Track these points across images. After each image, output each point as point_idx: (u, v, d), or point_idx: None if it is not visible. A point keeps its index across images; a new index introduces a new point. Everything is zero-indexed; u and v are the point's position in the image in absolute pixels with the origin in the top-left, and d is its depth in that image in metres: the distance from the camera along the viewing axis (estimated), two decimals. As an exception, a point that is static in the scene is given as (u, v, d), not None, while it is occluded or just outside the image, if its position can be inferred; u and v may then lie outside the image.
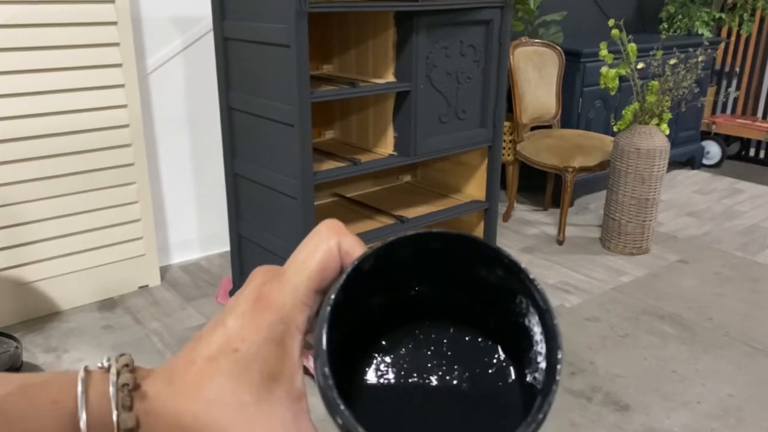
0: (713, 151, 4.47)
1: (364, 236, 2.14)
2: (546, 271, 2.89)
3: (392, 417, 0.33)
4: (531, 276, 0.32)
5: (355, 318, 0.34)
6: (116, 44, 2.34)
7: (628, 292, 2.71)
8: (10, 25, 2.14)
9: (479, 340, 0.35)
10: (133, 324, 2.41)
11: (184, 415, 0.30)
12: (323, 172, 2.06)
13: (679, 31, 4.23)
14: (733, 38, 4.57)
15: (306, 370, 0.32)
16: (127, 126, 2.43)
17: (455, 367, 0.34)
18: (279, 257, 2.15)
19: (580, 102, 3.55)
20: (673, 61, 2.88)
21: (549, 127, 3.50)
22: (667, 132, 2.94)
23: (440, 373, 0.34)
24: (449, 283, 0.35)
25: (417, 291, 0.35)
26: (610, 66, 2.89)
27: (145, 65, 2.57)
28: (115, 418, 0.30)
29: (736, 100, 4.71)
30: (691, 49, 3.04)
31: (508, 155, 3.45)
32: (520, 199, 3.74)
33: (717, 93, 4.59)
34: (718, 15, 4.18)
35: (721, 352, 2.29)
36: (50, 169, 2.32)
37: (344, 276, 0.31)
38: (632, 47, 2.81)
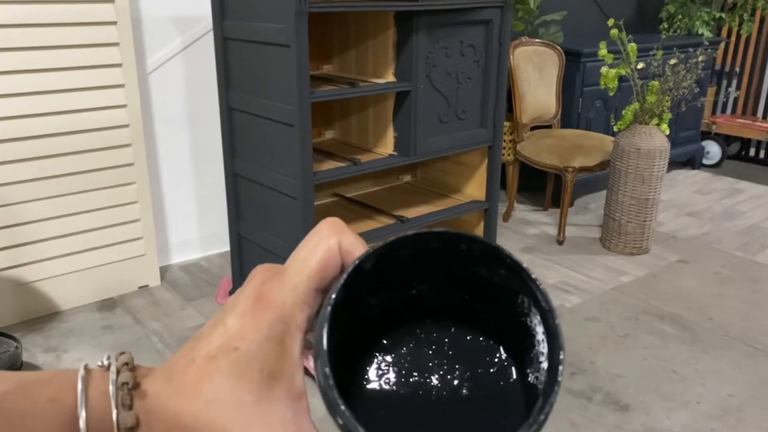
0: (713, 151, 4.47)
1: (364, 236, 2.14)
2: (546, 271, 2.89)
3: (393, 417, 0.33)
4: (533, 276, 0.31)
5: (355, 317, 0.34)
6: (116, 44, 2.34)
7: (628, 292, 2.71)
8: (9, 25, 2.14)
9: (480, 339, 0.35)
10: (133, 324, 2.41)
11: (183, 414, 0.30)
12: (323, 172, 2.06)
13: (679, 30, 4.23)
14: (733, 38, 4.57)
15: (306, 371, 0.32)
16: (126, 126, 2.43)
17: (456, 366, 0.34)
18: (279, 257, 2.15)
19: (580, 102, 3.55)
20: (673, 61, 2.88)
21: (549, 127, 3.49)
22: (667, 132, 2.94)
23: (441, 372, 0.34)
24: (450, 283, 0.34)
25: (418, 290, 0.35)
26: (610, 66, 2.89)
27: (144, 65, 2.57)
28: (114, 416, 0.30)
29: (736, 100, 4.70)
30: (691, 49, 3.04)
31: (508, 155, 3.45)
32: (520, 199, 3.74)
33: (717, 93, 4.59)
34: (718, 15, 4.18)
35: (721, 352, 2.29)
36: (50, 169, 2.32)
37: (345, 275, 0.31)
38: (632, 47, 2.81)
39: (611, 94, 3.06)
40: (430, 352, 0.35)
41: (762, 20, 4.37)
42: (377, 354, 0.34)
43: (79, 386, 0.30)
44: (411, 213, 2.39)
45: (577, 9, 3.94)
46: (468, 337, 0.35)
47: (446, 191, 2.60)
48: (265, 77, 1.99)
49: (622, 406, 1.99)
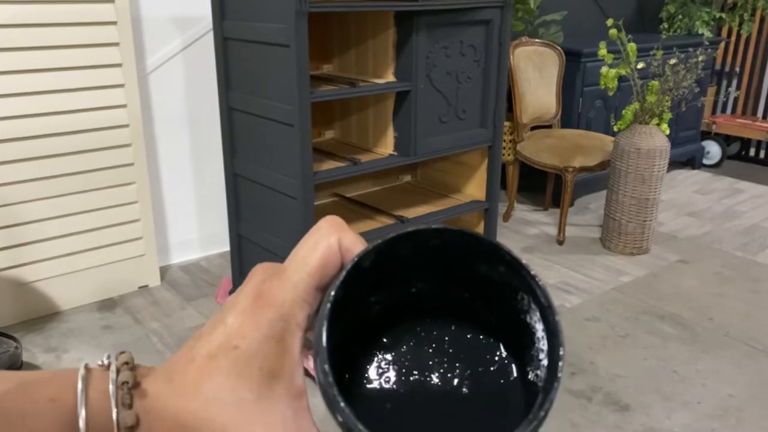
0: (713, 151, 4.47)
1: (364, 236, 2.13)
2: (546, 271, 2.89)
3: (393, 415, 0.33)
4: (533, 272, 0.31)
5: (355, 315, 0.34)
6: (116, 44, 2.34)
7: (629, 292, 2.71)
8: (9, 25, 2.14)
9: (481, 337, 0.35)
10: (133, 324, 2.41)
11: (183, 413, 0.30)
12: (323, 172, 2.05)
13: (679, 30, 4.22)
14: (733, 38, 4.57)
15: (306, 371, 0.32)
16: (126, 126, 2.43)
17: (456, 364, 0.34)
18: (279, 257, 2.15)
19: (581, 102, 3.55)
20: (673, 61, 2.88)
21: (549, 127, 3.49)
22: (668, 132, 2.94)
23: (441, 370, 0.34)
24: (450, 280, 0.34)
25: (418, 288, 0.35)
26: (610, 66, 2.89)
27: (144, 65, 2.57)
28: (114, 416, 0.30)
29: (736, 100, 4.70)
30: (691, 49, 3.04)
31: (509, 155, 3.45)
32: (520, 199, 3.73)
33: (717, 93, 4.59)
34: (718, 15, 4.18)
35: (721, 352, 2.29)
36: (50, 169, 2.32)
37: (344, 272, 0.31)
38: (632, 47, 2.81)
39: (611, 93, 3.06)
40: (430, 350, 0.34)
41: (762, 20, 4.37)
42: (377, 352, 0.34)
43: (79, 386, 0.30)
44: (411, 213, 2.39)
45: (577, 9, 3.94)
46: (468, 335, 0.35)
47: (446, 191, 2.60)
48: (265, 77, 1.99)
49: (622, 406, 1.99)
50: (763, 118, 4.60)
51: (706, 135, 4.44)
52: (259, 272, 0.33)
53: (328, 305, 0.30)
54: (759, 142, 4.57)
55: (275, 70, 1.93)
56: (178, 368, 0.31)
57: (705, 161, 4.49)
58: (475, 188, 2.53)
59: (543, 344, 0.32)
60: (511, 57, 3.21)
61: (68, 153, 2.34)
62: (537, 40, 3.41)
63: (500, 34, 2.27)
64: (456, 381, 0.34)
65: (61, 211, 2.38)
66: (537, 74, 3.36)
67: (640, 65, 2.92)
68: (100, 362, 0.32)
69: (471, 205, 2.49)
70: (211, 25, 2.19)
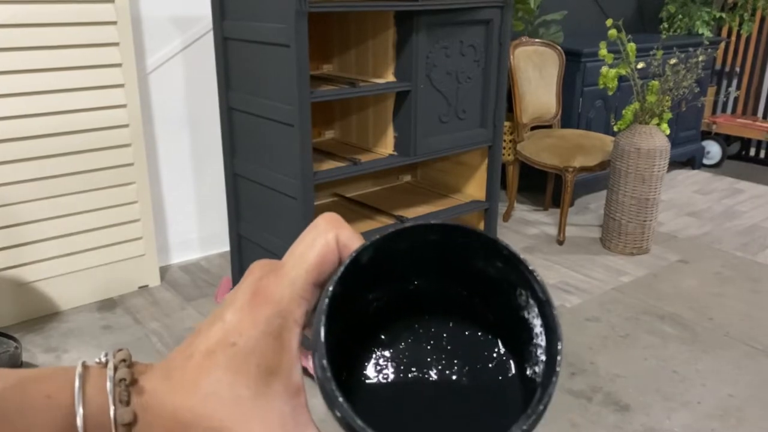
0: (713, 150, 4.47)
1: (364, 236, 2.13)
2: (546, 271, 2.88)
3: (391, 411, 0.33)
4: (530, 267, 0.31)
5: (354, 312, 0.34)
6: (116, 44, 2.34)
7: (629, 292, 2.71)
8: (9, 25, 2.14)
9: (479, 334, 0.35)
10: (133, 324, 2.41)
11: (181, 410, 0.30)
12: (323, 172, 2.05)
13: (679, 30, 4.22)
14: (733, 38, 4.57)
15: (306, 371, 0.32)
16: (126, 126, 2.43)
17: (455, 361, 0.34)
18: (279, 257, 2.13)
19: (581, 102, 3.55)
20: (673, 61, 2.88)
21: (549, 126, 3.49)
22: (668, 132, 2.94)
23: (440, 367, 0.34)
24: (448, 276, 0.34)
25: (416, 285, 0.35)
26: (610, 66, 2.89)
27: (144, 65, 2.57)
28: (112, 413, 0.30)
29: (736, 99, 4.70)
30: (691, 49, 3.04)
31: (509, 155, 3.45)
32: (520, 199, 3.73)
33: (717, 93, 4.59)
34: (718, 15, 4.18)
35: (721, 352, 2.29)
36: (50, 169, 2.32)
37: (342, 268, 0.31)
38: (631, 47, 2.81)
39: (611, 93, 3.06)
40: (429, 347, 0.34)
41: (762, 20, 4.37)
42: (375, 349, 0.34)
43: (77, 383, 0.30)
44: (411, 213, 2.39)
45: (577, 9, 3.94)
46: (466, 332, 0.35)
47: (446, 191, 2.60)
48: (265, 77, 1.99)
49: (622, 406, 1.99)
50: (764, 118, 4.59)
51: (707, 135, 4.44)
52: (257, 269, 0.33)
53: (326, 301, 0.30)
54: (759, 142, 4.57)
55: (275, 70, 1.93)
56: (175, 365, 0.31)
57: (705, 161, 4.49)
58: (475, 188, 2.53)
59: (541, 340, 0.32)
60: (511, 57, 3.20)
61: (68, 153, 2.34)
62: (537, 39, 3.41)
63: (500, 34, 2.27)
64: (454, 377, 0.34)
65: (61, 211, 2.38)
66: (537, 74, 3.36)
67: (640, 65, 2.91)
68: (97, 360, 0.32)
69: (471, 205, 2.49)
70: (211, 25, 2.19)
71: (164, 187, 2.77)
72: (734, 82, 4.67)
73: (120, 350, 0.32)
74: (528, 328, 0.32)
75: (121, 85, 2.38)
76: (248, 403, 0.30)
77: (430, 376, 0.34)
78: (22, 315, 2.40)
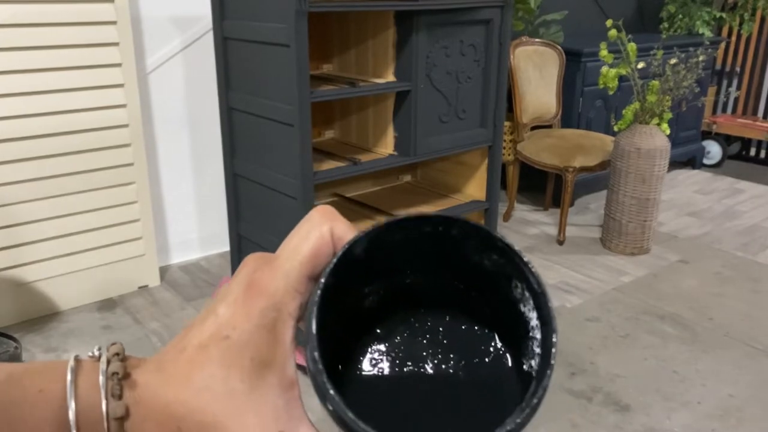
0: (714, 150, 4.47)
1: (364, 236, 2.13)
2: (546, 271, 2.88)
3: (387, 405, 0.33)
4: (525, 259, 0.31)
5: (350, 306, 0.34)
6: (116, 44, 2.34)
7: (629, 292, 2.71)
8: (9, 25, 2.14)
9: (476, 328, 0.34)
10: (133, 324, 2.40)
11: (174, 404, 0.30)
12: (323, 172, 2.05)
13: (679, 30, 4.22)
14: (733, 38, 4.56)
15: (301, 368, 0.32)
16: (126, 126, 2.43)
17: (451, 355, 0.34)
18: (279, 257, 2.14)
19: (581, 102, 3.55)
20: (673, 61, 2.87)
21: (549, 126, 3.49)
22: (668, 132, 2.94)
23: (435, 361, 0.34)
24: (444, 270, 0.34)
25: (412, 279, 0.35)
26: (611, 66, 2.89)
27: (144, 65, 2.57)
28: (104, 407, 0.29)
29: (736, 99, 4.70)
30: (691, 49, 3.04)
31: (509, 155, 3.45)
32: (520, 199, 3.73)
33: (717, 93, 4.59)
34: (718, 14, 4.18)
35: (721, 352, 2.29)
36: (49, 169, 2.32)
37: (334, 260, 0.31)
38: (632, 47, 2.80)
39: (611, 93, 3.06)
40: (425, 341, 0.34)
41: (762, 20, 4.37)
42: (371, 343, 0.34)
43: (69, 377, 0.30)
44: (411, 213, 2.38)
45: (577, 9, 3.94)
46: (463, 326, 0.35)
47: (446, 191, 2.60)
48: (265, 77, 1.99)
49: (622, 406, 1.99)
50: (764, 118, 4.59)
51: (707, 135, 4.44)
52: (251, 262, 0.32)
53: (318, 293, 0.30)
54: (759, 142, 4.57)
55: (275, 70, 1.93)
56: (169, 358, 0.31)
57: (705, 161, 4.48)
58: (475, 188, 2.52)
59: (537, 333, 0.31)
60: (512, 57, 3.20)
61: (68, 153, 2.34)
62: (537, 39, 3.41)
63: (500, 34, 2.27)
64: (450, 371, 0.34)
65: (60, 211, 2.38)
66: (537, 74, 3.36)
67: (641, 65, 2.91)
68: (90, 353, 0.32)
69: (471, 205, 2.49)
70: (210, 25, 2.19)
71: (164, 187, 2.77)
72: (734, 82, 4.66)
73: (113, 344, 0.32)
74: (524, 321, 0.32)
75: (120, 85, 2.38)
76: (242, 396, 0.30)
77: (426, 370, 0.34)
78: (22, 315, 2.39)
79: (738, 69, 4.63)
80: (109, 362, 0.31)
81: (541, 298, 0.31)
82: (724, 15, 4.19)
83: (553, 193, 3.59)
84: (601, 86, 2.96)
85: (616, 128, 3.05)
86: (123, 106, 2.41)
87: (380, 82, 2.15)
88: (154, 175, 2.70)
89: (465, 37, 2.19)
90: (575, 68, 3.47)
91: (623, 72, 2.86)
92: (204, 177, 2.86)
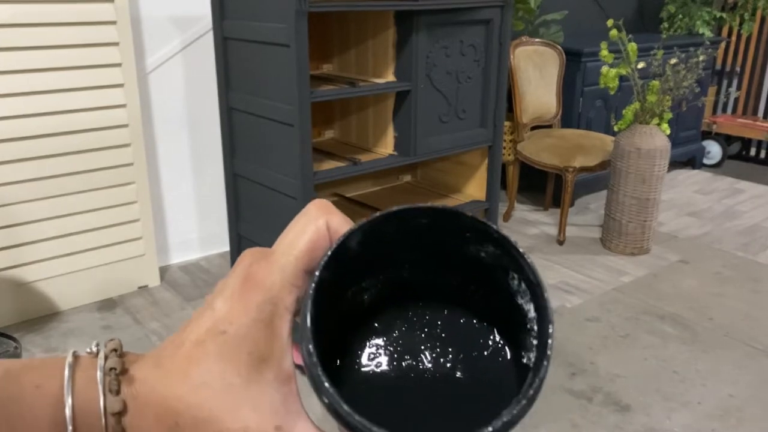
0: (714, 150, 4.46)
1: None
2: (546, 271, 2.88)
3: (385, 399, 0.33)
4: (521, 250, 0.31)
5: (347, 300, 0.34)
6: (115, 44, 2.34)
7: (629, 293, 2.71)
8: (9, 25, 2.14)
9: (474, 322, 0.34)
10: (133, 324, 2.40)
11: (171, 399, 0.30)
12: (323, 172, 2.05)
13: (679, 30, 4.22)
14: (733, 38, 4.56)
15: (300, 368, 0.32)
16: (126, 126, 2.43)
17: (449, 349, 0.34)
18: (279, 257, 2.14)
19: (581, 102, 3.55)
20: (673, 61, 2.87)
21: (549, 126, 3.49)
22: (668, 132, 2.94)
23: (434, 355, 0.34)
24: (441, 264, 0.34)
25: (409, 273, 0.35)
26: (611, 66, 2.89)
27: (144, 65, 2.57)
28: (101, 402, 0.29)
29: (736, 99, 4.70)
30: (691, 49, 3.04)
31: (509, 155, 3.45)
32: (520, 199, 3.73)
33: (718, 93, 4.59)
34: (718, 14, 4.17)
35: (721, 352, 2.29)
36: (49, 169, 2.31)
37: (329, 252, 0.30)
38: (632, 47, 2.80)
39: (612, 93, 3.06)
40: (423, 335, 0.34)
41: (762, 20, 4.37)
42: (369, 338, 0.34)
43: (66, 373, 0.30)
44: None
45: (577, 8, 3.94)
46: (461, 320, 0.35)
47: (446, 191, 2.60)
48: (265, 77, 1.99)
49: (622, 406, 1.99)
50: (764, 118, 4.59)
51: (707, 135, 4.44)
52: (248, 256, 0.32)
53: (313, 285, 0.30)
54: (759, 142, 4.57)
55: (275, 70, 1.93)
56: (166, 354, 0.31)
57: (705, 161, 4.48)
58: (476, 188, 2.52)
59: (535, 325, 0.31)
60: (512, 57, 3.20)
61: (68, 153, 2.34)
62: (537, 39, 3.41)
63: (500, 34, 2.27)
64: (449, 365, 0.33)
65: (60, 211, 2.38)
66: (537, 74, 3.36)
67: (641, 65, 2.91)
68: (88, 350, 0.32)
69: (471, 205, 2.49)
70: (210, 25, 2.19)
71: (164, 187, 2.77)
72: (734, 82, 4.66)
73: (111, 340, 0.32)
74: (522, 314, 0.32)
75: (120, 85, 2.38)
76: (239, 391, 0.30)
77: (425, 364, 0.33)
78: (22, 315, 2.39)
79: (738, 69, 4.63)
80: (106, 358, 0.31)
81: (537, 289, 0.31)
82: (724, 15, 4.19)
83: (553, 193, 3.59)
84: (602, 86, 2.96)
85: (616, 128, 3.04)
86: (123, 106, 2.40)
87: (380, 82, 2.15)
88: (154, 175, 2.70)
89: (465, 37, 2.19)
90: (575, 68, 3.47)
91: (623, 72, 2.86)
92: (204, 177, 2.86)
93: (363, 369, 0.33)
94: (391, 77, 2.17)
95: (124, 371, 0.31)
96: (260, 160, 2.12)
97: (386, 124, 2.24)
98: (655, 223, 3.05)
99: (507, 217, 3.46)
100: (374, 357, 0.34)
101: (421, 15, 2.04)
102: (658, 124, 2.92)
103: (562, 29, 3.63)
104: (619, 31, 2.76)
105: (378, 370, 0.33)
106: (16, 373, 0.30)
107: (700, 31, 4.13)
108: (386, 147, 2.26)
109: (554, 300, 2.60)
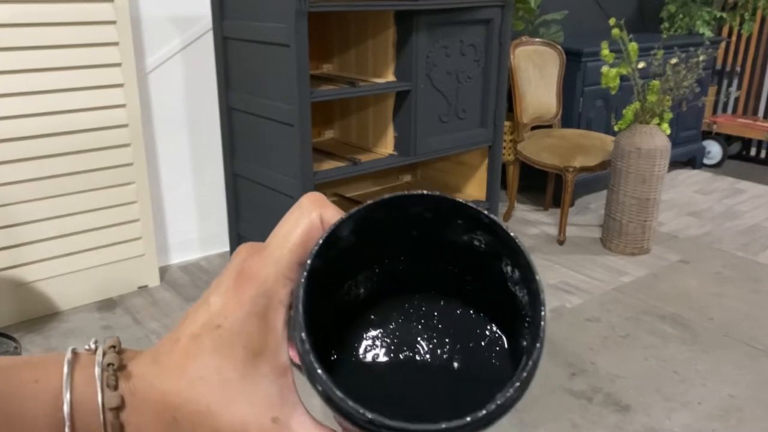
0: (714, 150, 4.46)
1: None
2: (546, 271, 2.88)
3: (382, 390, 0.33)
4: (512, 234, 0.31)
5: (343, 294, 0.34)
6: (115, 43, 2.33)
7: (629, 293, 2.71)
8: (9, 25, 2.13)
9: (470, 312, 0.34)
10: (133, 324, 2.40)
11: (169, 394, 0.30)
12: (323, 172, 2.05)
13: (679, 30, 4.22)
14: (734, 38, 4.56)
15: (297, 366, 0.32)
16: (126, 126, 2.43)
17: (446, 340, 0.34)
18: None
19: (581, 101, 3.55)
20: (674, 61, 2.87)
21: (549, 126, 3.49)
22: (668, 132, 2.94)
23: (431, 346, 0.34)
24: (437, 254, 0.34)
25: (405, 264, 0.35)
26: (611, 65, 2.89)
27: (144, 65, 2.56)
28: (99, 398, 0.30)
29: (736, 99, 4.70)
30: (692, 49, 3.03)
31: (509, 155, 3.45)
32: (520, 199, 3.73)
33: (718, 93, 4.58)
34: (719, 14, 4.17)
35: (721, 352, 2.29)
36: (49, 169, 2.31)
37: (320, 241, 0.30)
38: (633, 46, 2.80)
39: (613, 93, 3.06)
40: (419, 326, 0.34)
41: (763, 20, 4.37)
42: (366, 330, 0.34)
43: (65, 369, 0.30)
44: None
45: (577, 8, 3.94)
46: (458, 311, 0.35)
47: (446, 191, 2.59)
48: (265, 77, 1.99)
49: (622, 406, 1.99)
50: (764, 117, 4.59)
51: (707, 135, 4.44)
52: (242, 251, 0.33)
53: (304, 274, 0.30)
54: (760, 142, 4.57)
55: (275, 70, 1.93)
56: (163, 350, 0.31)
57: (706, 161, 4.48)
58: (476, 188, 2.52)
59: (529, 311, 0.31)
60: (512, 56, 3.20)
61: (67, 153, 2.33)
62: (537, 39, 3.41)
63: (500, 34, 2.27)
64: (445, 356, 0.33)
65: (60, 211, 2.38)
66: (537, 74, 3.36)
67: (641, 65, 2.91)
68: (87, 346, 0.32)
69: (471, 205, 2.49)
70: (210, 25, 2.19)
71: (164, 187, 2.77)
72: (735, 82, 4.66)
73: (110, 337, 0.32)
74: (517, 302, 0.32)
75: (120, 85, 2.38)
76: (235, 385, 0.30)
77: (421, 354, 0.34)
78: (21, 315, 2.39)
79: (738, 69, 4.63)
80: (104, 354, 0.31)
81: (527, 272, 0.31)
82: (724, 15, 4.19)
83: (553, 193, 3.59)
84: (604, 86, 2.96)
85: (616, 128, 3.04)
86: (123, 105, 2.40)
87: (380, 82, 2.15)
88: (154, 175, 2.70)
89: (465, 36, 2.19)
90: (575, 68, 3.47)
91: (624, 72, 2.86)
92: (204, 177, 2.85)
93: (359, 361, 0.33)
94: (391, 77, 2.16)
95: (122, 367, 0.31)
96: (260, 160, 2.12)
97: (386, 124, 2.24)
98: (656, 223, 3.05)
99: (507, 217, 3.46)
100: (370, 349, 0.34)
101: (421, 15, 2.04)
102: (659, 124, 2.91)
103: (562, 29, 3.63)
104: (621, 30, 2.76)
105: (374, 361, 0.33)
106: (15, 370, 0.30)
107: (701, 31, 4.13)
108: (386, 147, 2.26)
109: (554, 300, 2.60)
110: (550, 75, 3.42)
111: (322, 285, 0.31)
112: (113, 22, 2.31)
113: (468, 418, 0.27)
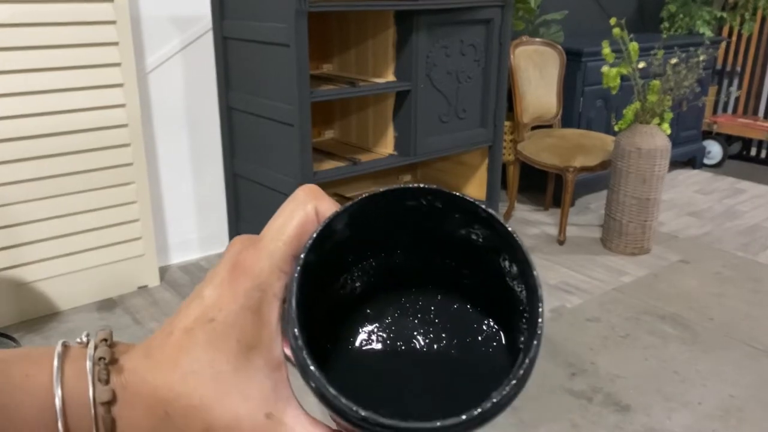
0: (714, 150, 4.46)
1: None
2: (547, 271, 2.88)
3: (377, 385, 0.32)
4: (508, 228, 0.31)
5: (339, 288, 0.33)
6: (115, 43, 2.33)
7: (629, 293, 2.70)
8: (8, 25, 2.13)
9: (468, 307, 0.34)
10: (132, 324, 2.40)
11: (161, 388, 0.30)
12: (323, 172, 2.05)
13: (680, 30, 4.22)
14: (734, 38, 4.56)
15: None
16: (125, 126, 2.43)
17: (443, 335, 0.34)
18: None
19: (581, 101, 3.55)
20: (674, 61, 2.87)
21: (550, 126, 3.49)
22: (669, 132, 2.93)
23: (427, 341, 0.33)
24: (434, 249, 0.34)
25: (402, 258, 0.34)
26: (611, 65, 2.89)
27: (144, 64, 2.56)
28: (90, 392, 0.29)
29: (737, 99, 4.70)
30: (692, 49, 3.03)
31: (509, 155, 3.44)
32: (520, 199, 3.73)
33: (718, 92, 4.58)
34: (719, 14, 4.17)
35: (722, 352, 2.28)
36: (49, 169, 2.31)
37: (314, 234, 0.30)
38: (634, 46, 2.80)
39: (613, 93, 3.06)
40: (416, 320, 0.34)
41: (763, 20, 4.36)
42: (362, 324, 0.34)
43: (55, 363, 0.30)
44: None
45: (577, 8, 3.94)
46: (455, 306, 0.34)
47: (446, 191, 2.59)
48: (265, 77, 1.99)
49: (622, 406, 1.99)
50: (764, 117, 4.59)
51: (707, 135, 4.44)
52: (237, 243, 0.32)
53: (298, 268, 0.29)
54: (760, 142, 4.57)
55: (275, 70, 1.93)
56: (156, 343, 0.31)
57: (706, 161, 4.48)
58: (476, 188, 2.52)
59: (527, 306, 0.31)
60: (512, 56, 3.20)
61: (67, 153, 2.33)
62: (537, 39, 3.40)
63: (500, 34, 2.27)
64: (442, 351, 0.33)
65: (60, 211, 2.38)
66: (537, 74, 3.36)
67: (641, 65, 2.91)
68: (78, 340, 0.32)
69: (471, 205, 2.49)
70: (210, 25, 2.19)
71: (163, 187, 2.77)
72: (735, 82, 4.66)
73: (102, 330, 0.32)
74: (515, 297, 0.32)
75: (120, 85, 2.38)
76: (229, 379, 0.30)
77: (417, 349, 0.33)
78: (21, 315, 2.39)
79: (739, 69, 4.62)
80: (96, 348, 0.31)
81: (526, 268, 0.30)
82: (724, 15, 4.18)
83: (553, 193, 3.59)
84: (605, 86, 2.96)
85: (616, 128, 3.04)
86: (122, 105, 2.40)
87: (380, 81, 2.15)
88: (154, 175, 2.70)
89: (465, 36, 2.19)
90: (576, 68, 3.47)
91: (624, 71, 2.85)
92: (204, 177, 2.85)
93: (355, 355, 0.33)
94: (391, 77, 2.16)
95: (113, 361, 0.30)
96: (260, 159, 2.12)
97: (386, 124, 2.24)
98: (656, 223, 3.05)
99: (507, 217, 3.46)
100: (366, 343, 0.33)
101: (421, 15, 2.04)
102: (659, 124, 2.91)
103: (563, 29, 3.63)
104: (622, 29, 2.76)
105: (371, 356, 0.33)
106: (5, 363, 0.30)
107: (701, 31, 4.13)
108: (386, 147, 2.26)
109: (554, 300, 2.60)
110: (551, 75, 3.42)
111: (317, 278, 0.30)
112: (113, 22, 2.31)
113: (463, 416, 0.27)
